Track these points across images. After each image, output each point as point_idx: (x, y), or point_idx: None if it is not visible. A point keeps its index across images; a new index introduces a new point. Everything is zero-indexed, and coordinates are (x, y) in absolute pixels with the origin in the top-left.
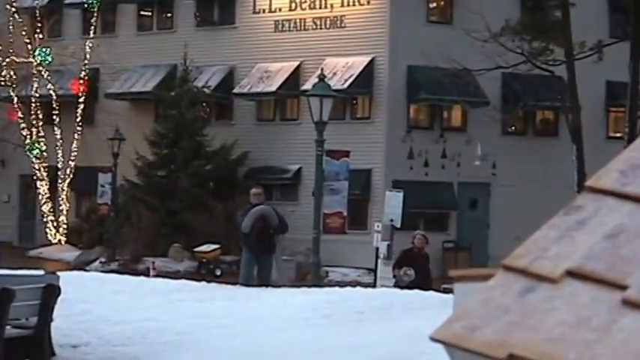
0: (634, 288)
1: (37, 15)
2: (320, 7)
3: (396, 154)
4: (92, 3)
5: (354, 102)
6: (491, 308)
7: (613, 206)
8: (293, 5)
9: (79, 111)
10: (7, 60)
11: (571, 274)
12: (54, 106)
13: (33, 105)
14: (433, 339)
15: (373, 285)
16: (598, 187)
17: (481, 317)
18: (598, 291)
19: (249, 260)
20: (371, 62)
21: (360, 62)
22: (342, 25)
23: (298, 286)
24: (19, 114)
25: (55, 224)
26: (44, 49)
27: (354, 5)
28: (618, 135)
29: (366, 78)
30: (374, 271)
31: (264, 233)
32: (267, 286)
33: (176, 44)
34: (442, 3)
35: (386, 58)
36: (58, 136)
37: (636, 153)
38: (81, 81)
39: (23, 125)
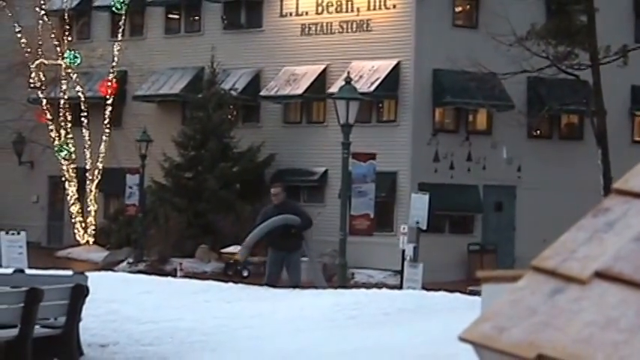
0: None
1: (66, 18)
2: (346, 11)
3: (421, 156)
4: (120, 6)
5: (380, 105)
6: (520, 309)
7: None
8: (320, 9)
9: (107, 113)
10: (37, 62)
11: (600, 275)
12: (82, 108)
13: (62, 107)
14: (462, 339)
15: (399, 287)
16: (626, 189)
17: (510, 318)
18: (626, 292)
19: (275, 260)
20: (397, 66)
21: (386, 66)
22: (369, 28)
23: (334, 288)
24: (48, 116)
25: (83, 225)
26: (73, 52)
27: (380, 9)
28: None
29: (392, 81)
30: (400, 272)
31: (288, 231)
32: (296, 286)
33: (203, 47)
34: (468, 7)
35: (412, 61)
36: (87, 138)
37: None
38: (109, 83)
39: (52, 127)
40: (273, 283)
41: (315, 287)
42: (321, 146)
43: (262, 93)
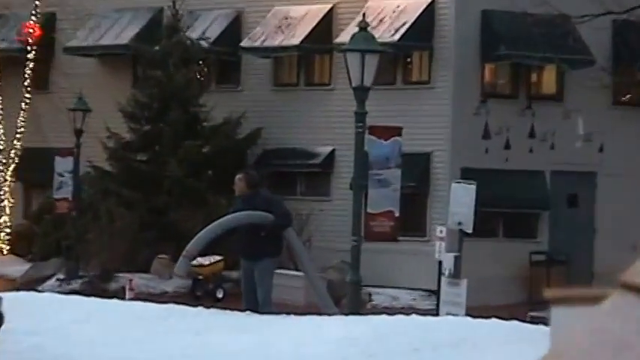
0: None
1: None
2: None
3: (465, 132)
4: None
5: (408, 60)
6: (605, 342)
7: None
8: None
9: (28, 71)
10: None
11: None
12: None
13: None
14: None
15: (435, 312)
16: None
17: (590, 354)
18: None
19: (245, 273)
20: (431, 5)
21: (415, 5)
22: None
23: (344, 314)
24: None
25: None
26: None
27: None
28: None
29: (423, 27)
30: (436, 293)
31: (256, 233)
32: (264, 306)
33: None
34: None
35: None
36: None
37: None
38: (30, 30)
39: None
40: (252, 307)
41: (320, 313)
42: (325, 117)
43: (244, 44)
